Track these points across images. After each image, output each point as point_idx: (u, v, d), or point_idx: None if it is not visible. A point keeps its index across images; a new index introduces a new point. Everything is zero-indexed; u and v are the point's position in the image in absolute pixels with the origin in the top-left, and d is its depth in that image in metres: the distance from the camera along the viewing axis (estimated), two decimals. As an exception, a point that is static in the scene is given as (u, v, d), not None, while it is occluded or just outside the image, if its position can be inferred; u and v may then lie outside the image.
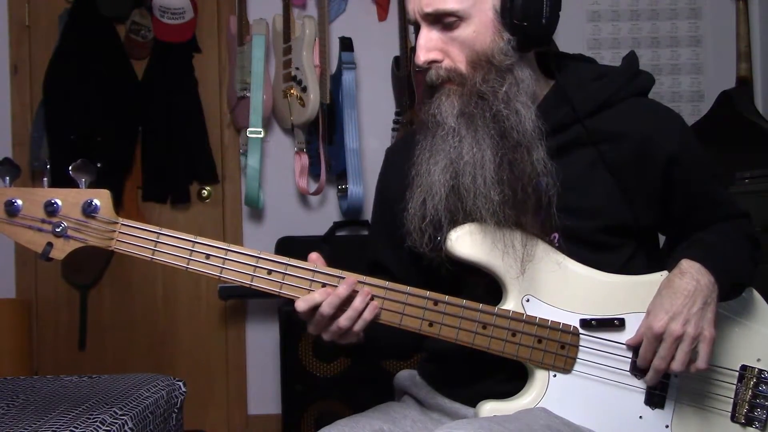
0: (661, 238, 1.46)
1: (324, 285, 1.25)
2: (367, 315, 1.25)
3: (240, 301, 3.36)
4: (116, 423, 1.58)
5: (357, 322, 1.25)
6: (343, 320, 1.24)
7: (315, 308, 1.24)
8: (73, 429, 1.52)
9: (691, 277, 1.26)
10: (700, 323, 1.25)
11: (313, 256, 1.28)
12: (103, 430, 1.54)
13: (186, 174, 3.34)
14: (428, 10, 1.27)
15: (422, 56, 1.28)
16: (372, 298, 1.26)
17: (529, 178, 1.24)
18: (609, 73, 1.38)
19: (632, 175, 1.33)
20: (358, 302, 1.24)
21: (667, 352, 1.25)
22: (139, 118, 3.31)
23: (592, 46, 3.35)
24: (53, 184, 1.26)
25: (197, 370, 3.34)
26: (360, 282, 1.26)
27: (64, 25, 3.27)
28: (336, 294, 1.24)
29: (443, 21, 1.27)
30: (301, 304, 1.24)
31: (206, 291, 3.36)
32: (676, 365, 1.25)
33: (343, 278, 1.26)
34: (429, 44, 1.28)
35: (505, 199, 1.24)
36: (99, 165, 3.10)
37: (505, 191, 1.24)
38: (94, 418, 1.58)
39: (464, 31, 1.27)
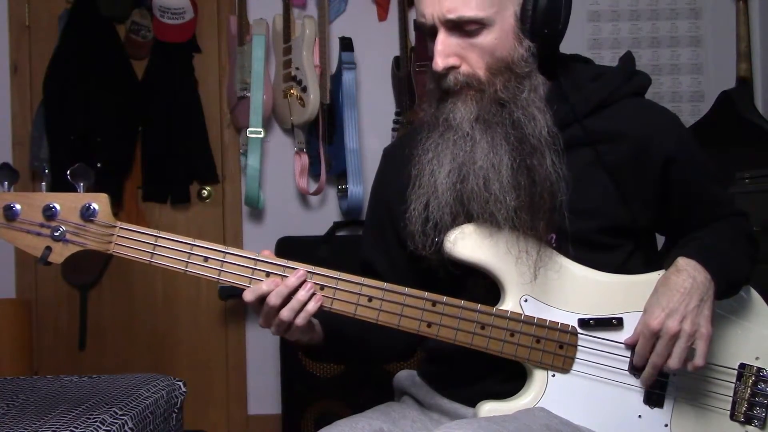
0: (660, 239, 1.47)
1: (323, 287, 1.25)
2: (311, 307, 1.23)
3: (240, 301, 3.35)
4: (116, 423, 1.58)
5: (299, 314, 1.23)
6: (285, 312, 1.22)
7: (263, 299, 1.23)
8: (73, 429, 1.52)
9: (688, 274, 1.26)
10: (696, 320, 1.25)
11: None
12: (103, 430, 1.54)
13: (186, 174, 3.34)
14: (450, 16, 1.24)
15: (440, 62, 1.26)
16: (314, 291, 1.23)
17: (545, 182, 1.24)
18: (606, 73, 1.38)
19: (630, 175, 1.33)
20: (301, 294, 1.23)
21: (663, 350, 1.25)
22: (139, 118, 3.30)
23: (592, 46, 3.35)
24: (53, 184, 1.26)
25: (197, 370, 3.33)
26: (310, 272, 1.25)
27: (64, 25, 3.27)
28: (285, 284, 1.22)
29: (465, 28, 1.25)
30: (249, 295, 1.23)
31: (206, 291, 3.36)
32: (673, 362, 1.25)
33: (342, 280, 1.26)
34: (448, 50, 1.26)
35: (521, 204, 1.24)
36: (99, 165, 3.11)
37: (522, 196, 1.24)
38: (94, 418, 1.58)
39: (486, 38, 1.26)
